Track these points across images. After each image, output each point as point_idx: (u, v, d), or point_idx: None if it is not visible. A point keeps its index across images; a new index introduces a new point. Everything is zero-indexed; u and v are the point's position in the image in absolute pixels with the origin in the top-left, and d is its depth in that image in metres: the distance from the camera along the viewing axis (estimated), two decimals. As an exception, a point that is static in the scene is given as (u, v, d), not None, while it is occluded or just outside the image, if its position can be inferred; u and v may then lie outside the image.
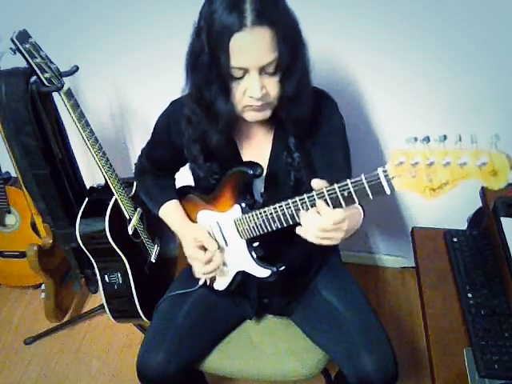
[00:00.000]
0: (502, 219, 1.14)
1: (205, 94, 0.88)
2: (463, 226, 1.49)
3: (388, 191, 0.69)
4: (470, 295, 1.07)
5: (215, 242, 1.04)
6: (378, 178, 0.69)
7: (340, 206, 0.76)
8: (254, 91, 0.84)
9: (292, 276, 1.08)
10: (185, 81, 0.93)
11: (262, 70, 0.83)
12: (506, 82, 1.31)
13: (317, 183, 0.79)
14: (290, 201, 0.84)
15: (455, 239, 1.22)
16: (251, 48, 0.80)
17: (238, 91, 0.86)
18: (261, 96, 0.85)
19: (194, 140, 1.00)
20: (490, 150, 0.57)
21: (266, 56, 0.81)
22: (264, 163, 1.01)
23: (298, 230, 0.83)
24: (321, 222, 0.78)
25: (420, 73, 1.35)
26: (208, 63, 0.83)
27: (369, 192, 0.71)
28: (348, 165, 1.04)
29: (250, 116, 0.91)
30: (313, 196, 0.79)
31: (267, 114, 0.91)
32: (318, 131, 1.00)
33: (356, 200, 0.74)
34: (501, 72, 1.29)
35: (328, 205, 0.77)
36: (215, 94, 0.87)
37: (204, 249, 1.04)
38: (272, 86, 0.86)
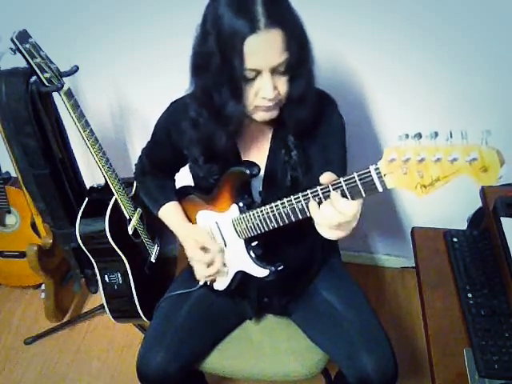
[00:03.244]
0: (502, 219, 1.13)
1: (215, 96, 0.88)
2: (463, 226, 1.49)
3: (380, 189, 0.69)
4: (470, 295, 1.07)
5: (216, 242, 1.04)
6: (370, 176, 0.69)
7: None
8: (267, 92, 0.85)
9: (291, 275, 1.08)
10: (189, 84, 0.93)
11: (273, 71, 0.84)
12: (506, 82, 1.31)
13: (324, 178, 0.77)
14: (285, 200, 0.84)
15: (455, 239, 1.22)
16: (265, 50, 0.81)
17: (251, 92, 0.87)
18: (274, 96, 0.86)
19: (197, 142, 1.00)
20: (481, 146, 0.57)
21: (278, 56, 0.82)
22: (262, 162, 1.01)
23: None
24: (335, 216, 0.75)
25: (420, 73, 1.35)
26: (219, 67, 0.83)
27: (361, 190, 0.71)
28: (344, 165, 1.04)
29: (259, 116, 0.92)
30: (307, 195, 0.79)
31: (275, 113, 0.92)
32: (316, 131, 1.00)
33: (349, 198, 0.74)
34: (501, 72, 1.30)
35: (322, 203, 0.77)
36: (226, 97, 0.87)
37: (205, 250, 1.04)
38: (282, 86, 0.87)
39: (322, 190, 0.76)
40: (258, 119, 0.93)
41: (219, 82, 0.86)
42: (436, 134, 0.60)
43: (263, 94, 0.86)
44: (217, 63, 0.83)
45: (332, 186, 0.74)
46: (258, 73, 0.84)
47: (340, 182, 0.73)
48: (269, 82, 0.84)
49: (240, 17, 0.79)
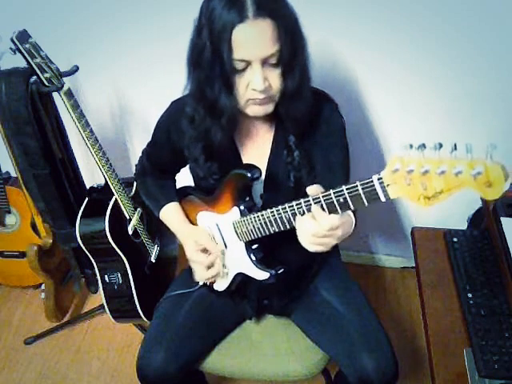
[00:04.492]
0: (502, 219, 1.14)
1: (207, 90, 0.88)
2: (463, 226, 1.49)
3: (383, 199, 0.69)
4: (470, 295, 1.07)
5: (216, 244, 1.04)
6: (373, 185, 0.69)
7: (335, 211, 0.76)
8: (256, 83, 0.85)
9: (291, 277, 1.08)
10: (186, 79, 0.93)
11: (264, 62, 0.84)
12: (506, 82, 1.31)
13: (312, 190, 0.78)
14: (286, 205, 0.84)
15: (455, 239, 1.22)
16: (253, 40, 0.81)
17: (241, 84, 0.87)
18: (264, 88, 0.85)
19: (196, 139, 1.00)
20: (486, 160, 0.57)
21: (268, 48, 0.82)
22: (263, 164, 1.01)
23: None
24: (315, 227, 0.77)
25: (420, 73, 1.35)
26: (210, 59, 0.84)
27: (364, 199, 0.71)
28: (346, 166, 1.04)
29: (252, 110, 0.91)
30: (309, 201, 0.79)
31: (269, 108, 0.92)
32: (317, 132, 1.00)
33: (351, 206, 0.74)
34: (501, 72, 1.29)
35: (324, 210, 0.77)
36: (218, 90, 0.87)
37: (205, 252, 1.04)
38: (274, 79, 0.87)
39: (323, 196, 0.76)
40: (251, 114, 0.92)
41: (212, 75, 0.86)
42: (440, 145, 0.60)
43: (253, 86, 0.85)
44: (209, 56, 0.84)
45: (334, 193, 0.74)
46: (249, 64, 0.84)
47: (342, 190, 0.73)
48: (259, 73, 0.84)
49: (230, 7, 0.79)
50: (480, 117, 1.38)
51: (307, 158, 1.00)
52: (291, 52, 0.85)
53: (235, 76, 0.86)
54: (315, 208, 0.78)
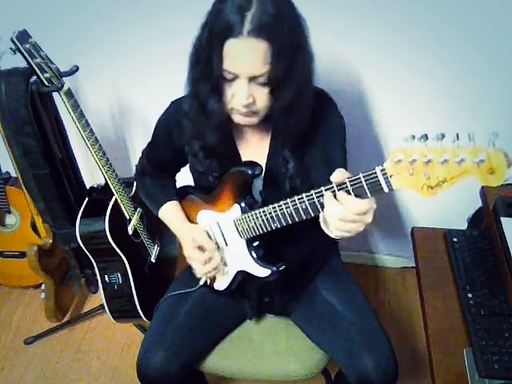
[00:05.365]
0: (502, 219, 1.14)
1: (201, 90, 0.89)
2: (463, 226, 1.49)
3: (386, 189, 0.69)
4: (470, 295, 1.07)
5: (213, 242, 1.04)
6: (376, 177, 0.69)
7: None
8: (240, 98, 0.85)
9: (292, 275, 1.08)
10: (187, 76, 0.93)
11: (252, 79, 0.83)
12: (506, 82, 1.31)
13: (337, 176, 0.74)
14: (288, 200, 0.84)
15: (455, 239, 1.22)
16: (243, 56, 0.80)
17: (228, 93, 0.87)
18: (246, 104, 0.85)
19: (194, 136, 1.00)
20: (488, 147, 0.57)
21: (256, 67, 0.81)
22: (262, 162, 1.01)
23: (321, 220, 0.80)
24: (342, 211, 0.73)
25: (420, 73, 1.35)
26: (206, 60, 0.84)
27: (367, 190, 0.71)
28: (345, 166, 1.04)
29: (236, 119, 0.92)
30: (311, 195, 0.79)
31: (253, 120, 0.91)
32: (317, 132, 1.00)
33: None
34: (501, 72, 1.29)
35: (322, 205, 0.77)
36: (209, 92, 0.87)
37: (202, 249, 1.04)
38: (260, 97, 0.86)
39: (326, 190, 0.76)
40: (236, 121, 0.92)
41: (205, 75, 0.86)
42: (442, 135, 0.60)
43: (236, 99, 0.86)
44: (205, 56, 0.84)
45: (337, 186, 0.74)
46: (237, 76, 0.84)
47: (345, 183, 0.73)
48: (243, 89, 0.84)
49: (232, 16, 0.78)
50: (480, 117, 1.38)
51: (302, 167, 1.00)
52: (284, 74, 0.83)
53: (224, 83, 0.86)
54: (340, 193, 0.73)
